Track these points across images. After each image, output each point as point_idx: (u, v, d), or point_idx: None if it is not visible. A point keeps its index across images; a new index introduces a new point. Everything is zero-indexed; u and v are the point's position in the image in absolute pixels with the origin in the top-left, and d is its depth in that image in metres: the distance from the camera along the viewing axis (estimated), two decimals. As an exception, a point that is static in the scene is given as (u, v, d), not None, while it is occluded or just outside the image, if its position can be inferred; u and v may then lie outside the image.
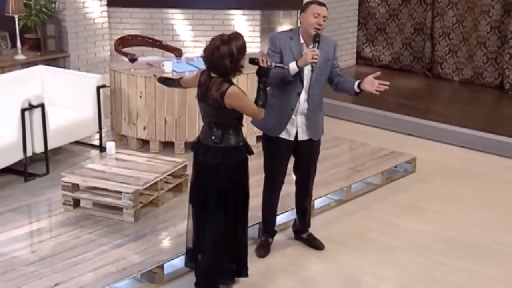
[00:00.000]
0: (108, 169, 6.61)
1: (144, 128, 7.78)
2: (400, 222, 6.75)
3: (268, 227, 6.17)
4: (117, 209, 6.30)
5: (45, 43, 10.28)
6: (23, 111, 6.87)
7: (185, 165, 6.82)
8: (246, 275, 5.62)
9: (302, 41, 5.66)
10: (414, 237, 6.49)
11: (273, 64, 5.25)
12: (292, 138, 5.78)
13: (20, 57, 9.90)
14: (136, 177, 6.45)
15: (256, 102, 5.20)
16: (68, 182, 6.40)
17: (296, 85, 5.65)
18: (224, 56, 5.03)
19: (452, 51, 10.47)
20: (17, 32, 9.87)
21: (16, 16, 9.77)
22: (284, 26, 10.89)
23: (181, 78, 5.82)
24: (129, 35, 9.71)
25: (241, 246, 5.54)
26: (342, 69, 11.01)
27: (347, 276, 5.84)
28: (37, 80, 7.85)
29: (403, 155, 7.95)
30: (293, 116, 5.71)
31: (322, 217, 6.83)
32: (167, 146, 7.93)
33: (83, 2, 10.38)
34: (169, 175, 6.74)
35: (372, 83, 5.61)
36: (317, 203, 6.94)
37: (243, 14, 10.85)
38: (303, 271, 5.90)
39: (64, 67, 10.27)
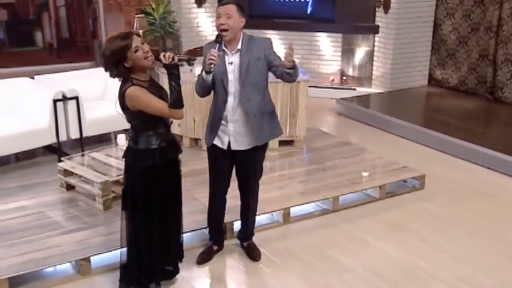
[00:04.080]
0: (105, 158, 4.98)
1: (179, 125, 6.08)
2: (372, 241, 4.46)
3: (213, 234, 4.22)
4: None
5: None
6: (55, 101, 5.47)
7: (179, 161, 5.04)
8: (169, 277, 3.83)
9: (223, 47, 3.67)
10: (375, 260, 4.19)
11: (176, 57, 3.35)
12: (225, 147, 3.83)
13: (142, 63, 8.69)
14: (118, 168, 4.76)
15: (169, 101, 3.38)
16: (61, 167, 4.90)
17: (221, 94, 3.73)
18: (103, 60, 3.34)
19: (513, 77, 7.62)
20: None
21: (140, 31, 8.61)
22: (362, 48, 8.63)
23: None
24: (197, 48, 8.04)
25: (163, 250, 3.66)
26: (413, 88, 8.82)
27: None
28: (102, 79, 6.36)
29: (412, 171, 5.47)
30: (224, 123, 3.78)
31: (298, 225, 4.71)
32: (199, 142, 6.12)
33: (197, 22, 8.88)
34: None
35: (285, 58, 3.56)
36: (300, 210, 4.85)
37: (327, 37, 8.76)
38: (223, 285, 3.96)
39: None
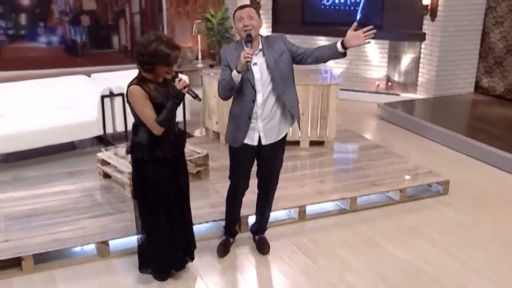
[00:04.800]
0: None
1: (217, 123, 6.04)
2: (382, 243, 4.20)
3: (229, 228, 4.12)
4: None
5: (220, 57, 8.97)
6: (103, 97, 5.59)
7: (206, 156, 5.00)
8: (176, 268, 3.75)
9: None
10: (381, 262, 3.95)
11: (187, 88, 3.26)
12: (255, 143, 3.68)
13: (199, 65, 8.71)
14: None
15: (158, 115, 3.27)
16: (99, 157, 4.99)
17: (249, 93, 3.56)
18: (138, 48, 3.21)
19: (560, 86, 6.99)
20: (199, 47, 8.72)
21: (199, 36, 8.65)
22: (408, 54, 8.26)
23: None
24: None
25: (149, 243, 3.58)
26: (458, 96, 8.31)
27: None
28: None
29: (436, 176, 5.13)
30: (253, 121, 3.63)
31: (312, 223, 4.52)
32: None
33: (252, 28, 8.84)
34: (192, 162, 4.96)
35: (358, 37, 3.37)
36: (318, 208, 4.66)
37: (375, 44, 8.43)
38: (228, 275, 3.85)
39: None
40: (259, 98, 3.59)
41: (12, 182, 4.99)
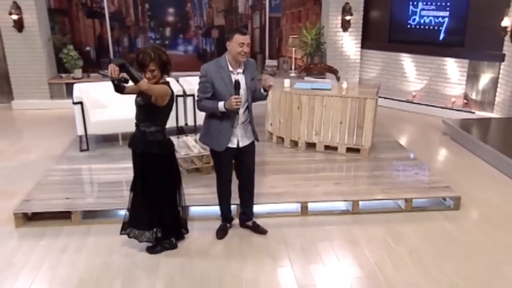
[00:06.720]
0: (190, 142, 5.52)
1: (271, 125, 6.28)
2: (363, 244, 4.13)
3: (225, 215, 4.40)
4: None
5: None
6: (176, 96, 6.18)
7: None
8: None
9: (231, 68, 3.80)
10: (348, 259, 3.92)
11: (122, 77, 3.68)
12: (235, 146, 4.00)
13: (292, 74, 8.99)
14: (193, 148, 5.29)
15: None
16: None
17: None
18: None
19: None
20: (293, 58, 9.00)
21: (293, 49, 8.93)
22: (486, 74, 7.60)
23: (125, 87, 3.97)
24: (311, 64, 7.90)
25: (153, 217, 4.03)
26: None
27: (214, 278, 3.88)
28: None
29: (449, 191, 4.79)
30: (235, 129, 3.95)
31: (312, 219, 4.57)
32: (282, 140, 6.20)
33: (342, 44, 8.85)
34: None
35: (264, 82, 3.86)
36: (324, 207, 4.70)
37: (455, 62, 7.91)
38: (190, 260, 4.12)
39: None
40: (241, 110, 3.88)
41: (98, 157, 5.84)
